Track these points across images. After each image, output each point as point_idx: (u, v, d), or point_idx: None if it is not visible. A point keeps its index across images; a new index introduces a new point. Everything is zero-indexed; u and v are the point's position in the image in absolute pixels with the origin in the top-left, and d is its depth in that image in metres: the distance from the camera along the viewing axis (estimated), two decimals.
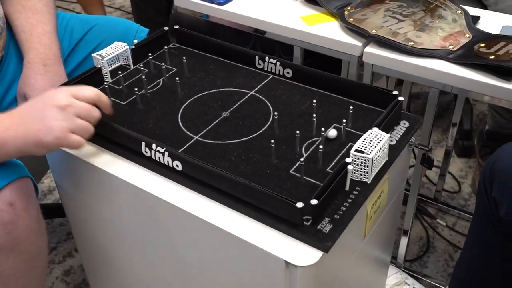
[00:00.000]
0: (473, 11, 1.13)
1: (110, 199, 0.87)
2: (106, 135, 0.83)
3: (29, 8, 0.99)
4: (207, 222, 0.71)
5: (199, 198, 0.74)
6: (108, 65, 0.96)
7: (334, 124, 0.85)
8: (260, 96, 0.93)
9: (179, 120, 0.88)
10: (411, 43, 1.02)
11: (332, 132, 0.83)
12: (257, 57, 0.99)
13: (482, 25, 1.09)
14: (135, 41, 1.01)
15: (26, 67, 0.96)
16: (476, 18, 1.10)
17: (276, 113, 0.85)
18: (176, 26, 1.07)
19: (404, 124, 0.85)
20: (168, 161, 0.76)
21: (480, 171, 1.57)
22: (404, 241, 1.26)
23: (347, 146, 0.81)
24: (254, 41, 1.68)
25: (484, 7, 1.38)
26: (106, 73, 0.97)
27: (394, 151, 0.80)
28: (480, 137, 1.70)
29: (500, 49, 0.97)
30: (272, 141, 0.78)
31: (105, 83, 0.96)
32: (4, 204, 0.75)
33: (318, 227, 0.68)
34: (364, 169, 0.73)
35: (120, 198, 0.84)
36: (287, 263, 0.65)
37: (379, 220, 0.86)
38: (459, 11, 1.09)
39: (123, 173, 0.80)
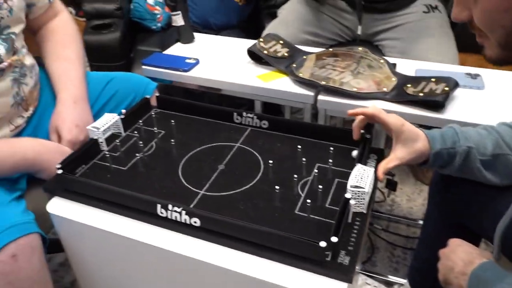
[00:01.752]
0: (389, 59, 1.13)
1: (127, 260, 0.72)
2: (118, 201, 0.69)
3: (63, 57, 0.94)
4: (237, 273, 0.60)
5: (222, 249, 0.63)
6: (103, 135, 0.82)
7: (318, 164, 0.78)
8: (246, 147, 0.83)
9: (181, 178, 0.76)
10: (354, 89, 0.99)
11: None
12: (235, 113, 0.90)
13: (399, 69, 1.09)
14: (124, 111, 0.88)
15: (59, 103, 0.88)
16: (394, 65, 1.10)
17: (270, 162, 0.76)
18: (157, 94, 0.95)
19: (373, 156, 0.80)
20: (185, 219, 0.64)
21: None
22: None
23: (335, 182, 0.74)
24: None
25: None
26: (102, 142, 0.82)
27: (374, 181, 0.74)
28: None
29: (424, 87, 0.96)
30: (277, 187, 0.69)
31: (104, 152, 0.81)
32: (6, 257, 0.66)
33: (339, 260, 0.59)
34: (361, 201, 0.66)
35: (140, 259, 0.70)
36: None
37: None
38: (382, 61, 1.08)
39: (142, 236, 0.66)
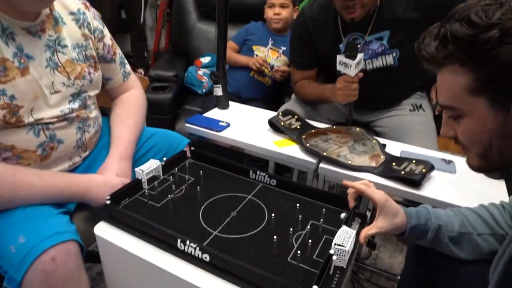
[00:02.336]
0: (380, 140, 1.15)
1: (148, 280, 0.73)
2: (148, 232, 0.72)
3: (124, 123, 1.00)
4: None
5: (224, 283, 0.64)
6: (146, 176, 0.87)
7: (311, 221, 0.79)
8: (256, 200, 0.86)
9: (201, 218, 0.78)
10: (349, 162, 1.01)
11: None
12: (251, 171, 0.93)
13: (388, 149, 1.10)
14: (165, 159, 0.93)
15: (108, 157, 0.93)
16: (384, 145, 1.12)
17: (273, 214, 0.78)
18: (192, 148, 1.00)
19: (358, 220, 0.81)
20: (198, 254, 0.66)
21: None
22: None
23: (324, 238, 0.74)
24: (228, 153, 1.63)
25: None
26: (144, 182, 0.87)
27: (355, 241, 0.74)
28: None
29: (406, 167, 0.98)
30: (275, 237, 0.71)
31: (144, 190, 0.85)
32: (48, 258, 0.68)
33: None
34: (342, 257, 0.67)
35: (158, 281, 0.71)
36: None
37: None
38: (374, 141, 1.11)
39: (162, 263, 0.68)
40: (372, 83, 1.26)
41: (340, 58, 1.11)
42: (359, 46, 1.15)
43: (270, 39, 1.74)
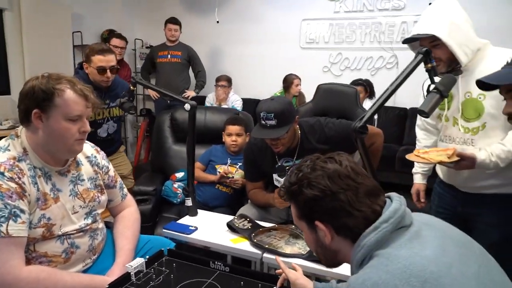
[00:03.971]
0: None
1: None
2: None
3: (124, 236, 1.34)
4: None
5: None
6: (134, 270, 1.21)
7: None
8: (214, 282, 1.20)
9: None
10: (284, 251, 1.39)
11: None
12: (210, 262, 1.29)
13: None
14: (147, 257, 1.28)
15: (114, 264, 1.25)
16: None
17: None
18: (168, 247, 1.36)
19: None
20: None
21: None
22: None
23: None
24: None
25: None
26: (132, 274, 1.20)
27: None
28: None
29: None
30: None
31: (132, 280, 1.18)
32: None
33: None
34: None
35: None
36: None
37: None
38: None
39: None
40: None
41: (275, 176, 1.59)
42: (287, 168, 1.65)
43: (229, 158, 2.25)
